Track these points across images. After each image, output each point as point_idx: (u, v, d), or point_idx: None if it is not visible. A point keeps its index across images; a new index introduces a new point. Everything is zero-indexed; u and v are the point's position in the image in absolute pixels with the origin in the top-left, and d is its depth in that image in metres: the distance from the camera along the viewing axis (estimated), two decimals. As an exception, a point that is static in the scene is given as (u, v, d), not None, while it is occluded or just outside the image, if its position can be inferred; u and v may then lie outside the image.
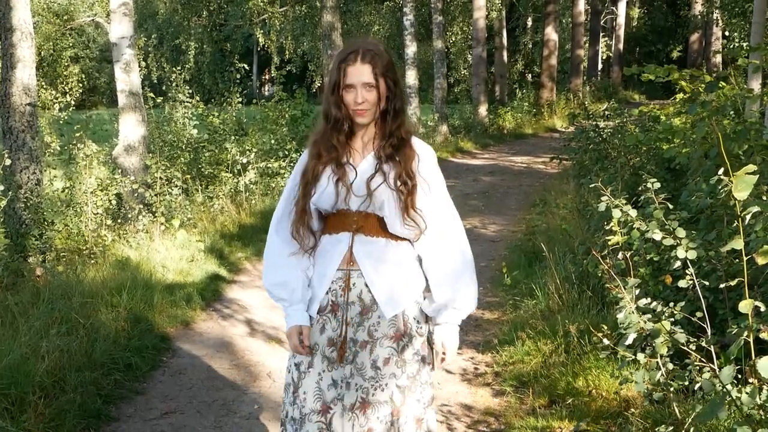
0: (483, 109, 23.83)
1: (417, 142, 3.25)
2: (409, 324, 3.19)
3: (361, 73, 3.11)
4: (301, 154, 3.32)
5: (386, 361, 3.15)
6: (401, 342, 3.17)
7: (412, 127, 3.42)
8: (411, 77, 20.88)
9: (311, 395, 3.15)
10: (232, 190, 11.90)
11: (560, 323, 5.97)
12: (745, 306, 3.18)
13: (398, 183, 3.13)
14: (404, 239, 3.21)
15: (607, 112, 11.17)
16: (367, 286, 3.16)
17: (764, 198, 4.19)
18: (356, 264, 3.17)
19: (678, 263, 4.23)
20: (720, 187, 3.72)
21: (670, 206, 4.67)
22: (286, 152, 13.12)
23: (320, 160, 3.19)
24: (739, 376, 3.85)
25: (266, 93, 49.03)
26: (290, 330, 3.21)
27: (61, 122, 16.54)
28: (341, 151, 3.18)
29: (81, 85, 23.01)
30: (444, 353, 3.23)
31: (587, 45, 36.66)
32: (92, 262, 8.13)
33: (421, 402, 3.22)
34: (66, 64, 22.59)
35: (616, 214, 4.59)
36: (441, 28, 22.47)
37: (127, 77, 11.15)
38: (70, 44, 24.59)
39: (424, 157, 3.22)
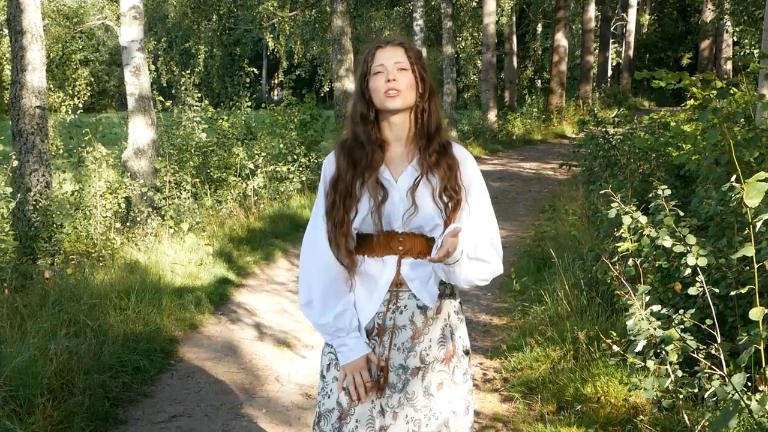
0: (492, 115, 23.85)
1: (456, 148, 2.95)
2: (457, 344, 2.97)
3: (393, 54, 2.84)
4: (318, 161, 2.94)
5: (439, 386, 2.90)
6: (451, 363, 2.94)
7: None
8: (421, 83, 20.81)
9: (364, 424, 2.87)
10: (241, 194, 11.93)
11: (569, 329, 5.96)
12: (756, 313, 3.16)
13: (444, 198, 2.83)
14: None
15: (616, 119, 11.11)
16: (419, 308, 2.88)
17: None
18: (405, 285, 2.86)
19: (688, 270, 4.21)
20: (731, 195, 3.70)
21: (681, 213, 4.65)
22: (295, 156, 13.16)
23: (356, 170, 2.85)
24: (749, 384, 3.84)
25: (275, 97, 49.19)
26: (356, 362, 2.86)
27: (67, 124, 16.56)
28: (375, 154, 2.85)
29: (90, 88, 23.06)
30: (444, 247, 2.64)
31: (597, 51, 36.67)
32: (101, 264, 8.14)
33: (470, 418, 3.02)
34: (75, 66, 22.64)
35: (627, 220, 4.57)
36: (451, 34, 22.48)
37: (137, 80, 11.16)
38: (80, 47, 24.69)
39: (465, 163, 2.93)
